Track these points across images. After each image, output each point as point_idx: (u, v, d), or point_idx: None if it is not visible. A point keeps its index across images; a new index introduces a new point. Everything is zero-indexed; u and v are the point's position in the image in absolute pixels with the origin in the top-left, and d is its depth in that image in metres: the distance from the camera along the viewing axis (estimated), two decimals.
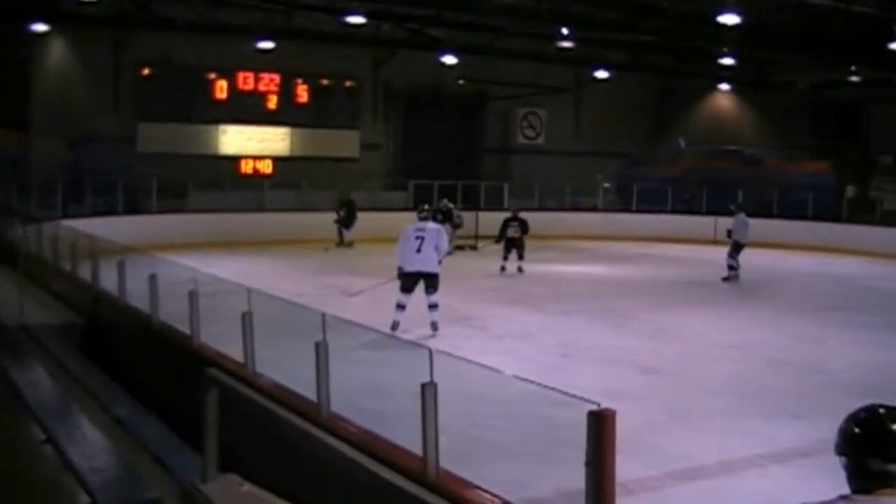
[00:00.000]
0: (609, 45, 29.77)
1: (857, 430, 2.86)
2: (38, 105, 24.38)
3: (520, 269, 19.94)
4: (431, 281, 12.73)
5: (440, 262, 12.96)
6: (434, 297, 12.69)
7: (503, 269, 19.98)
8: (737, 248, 19.60)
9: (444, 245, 13.26)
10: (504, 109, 35.53)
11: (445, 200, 25.21)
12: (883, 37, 23.60)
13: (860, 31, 24.46)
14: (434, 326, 12.60)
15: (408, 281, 12.68)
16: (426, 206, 15.46)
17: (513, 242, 20.10)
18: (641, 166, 34.11)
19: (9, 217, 21.13)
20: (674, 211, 29.71)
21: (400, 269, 12.76)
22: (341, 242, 25.16)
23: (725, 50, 29.28)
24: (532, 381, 5.43)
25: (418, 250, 12.59)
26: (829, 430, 3.03)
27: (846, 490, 2.84)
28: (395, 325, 12.22)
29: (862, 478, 2.81)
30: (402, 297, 12.67)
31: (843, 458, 2.87)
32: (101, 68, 27.99)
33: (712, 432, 8.64)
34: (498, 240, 20.41)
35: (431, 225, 13.34)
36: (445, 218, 23.30)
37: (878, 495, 2.77)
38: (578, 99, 36.00)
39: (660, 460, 7.57)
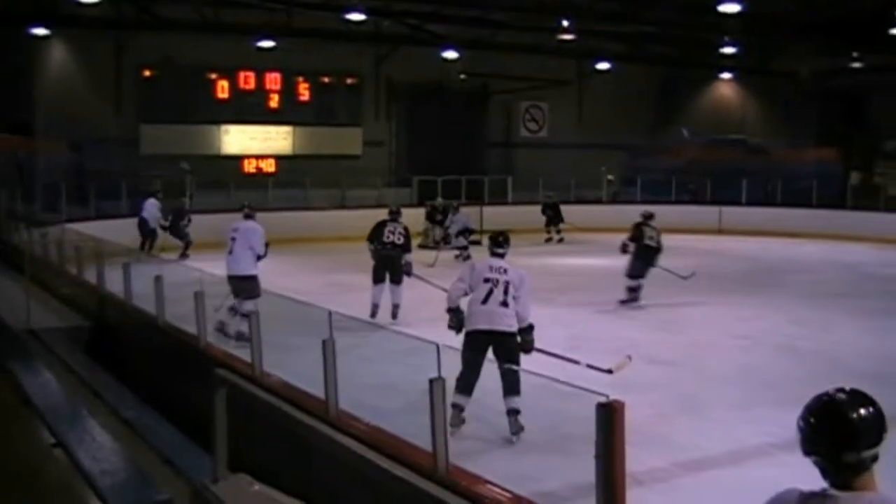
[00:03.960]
0: (610, 37, 29.72)
1: (821, 426, 2.76)
2: (41, 108, 24.40)
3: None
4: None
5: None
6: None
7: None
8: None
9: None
10: (506, 103, 35.46)
11: (440, 200, 25.22)
12: (885, 22, 23.54)
13: (862, 17, 24.40)
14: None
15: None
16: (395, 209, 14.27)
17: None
18: (645, 157, 34.07)
19: (14, 221, 21.17)
20: (678, 201, 29.62)
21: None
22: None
23: (727, 39, 29.23)
24: (541, 375, 5.43)
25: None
26: None
27: None
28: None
29: (838, 473, 2.71)
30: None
31: (813, 457, 2.75)
32: (103, 70, 28.00)
33: (722, 422, 8.62)
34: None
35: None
36: (444, 216, 23.26)
37: (857, 490, 2.69)
38: (581, 91, 35.91)
39: (669, 451, 7.56)
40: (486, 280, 7.92)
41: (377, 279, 13.33)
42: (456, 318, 8.06)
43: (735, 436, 8.14)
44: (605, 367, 8.62)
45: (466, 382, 7.63)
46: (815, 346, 12.13)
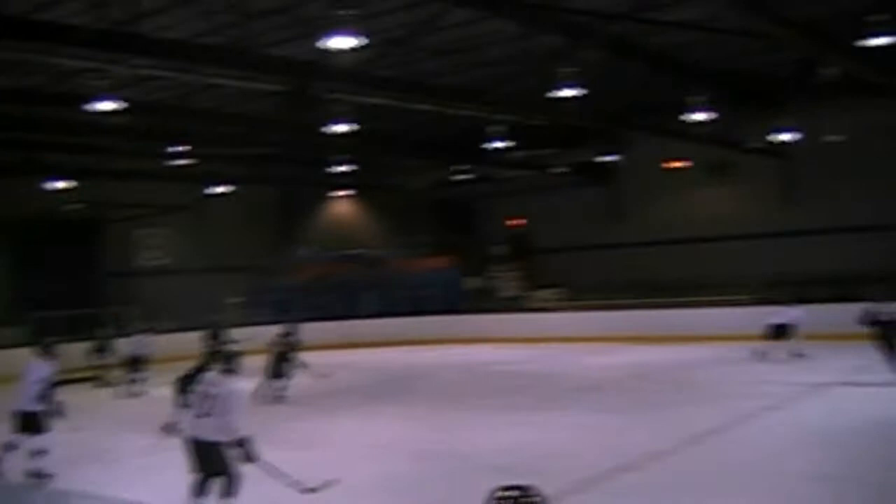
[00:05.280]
0: (228, 160, 29.80)
1: None
2: None
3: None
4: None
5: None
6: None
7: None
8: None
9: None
10: (125, 231, 34.33)
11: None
12: (485, 137, 25.41)
13: (465, 133, 26.19)
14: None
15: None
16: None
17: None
18: (270, 277, 34.20)
19: None
20: (305, 319, 29.80)
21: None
22: None
23: (342, 157, 30.24)
24: None
25: None
26: None
27: None
28: None
29: None
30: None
31: None
32: None
33: None
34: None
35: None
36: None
37: None
38: (202, 215, 35.48)
39: None
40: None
41: None
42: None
43: None
44: (309, 486, 8.73)
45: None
46: (450, 447, 12.48)
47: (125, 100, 18.16)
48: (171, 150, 26.69)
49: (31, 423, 11.01)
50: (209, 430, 8.22)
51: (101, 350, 22.63)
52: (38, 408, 11.08)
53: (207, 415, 8.25)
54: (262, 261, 35.14)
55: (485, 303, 32.74)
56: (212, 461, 8.27)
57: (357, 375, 21.58)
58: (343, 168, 31.69)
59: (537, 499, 2.96)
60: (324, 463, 11.09)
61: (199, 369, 8.93)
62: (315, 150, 28.28)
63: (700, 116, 22.42)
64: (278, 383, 17.14)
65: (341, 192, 37.86)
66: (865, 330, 16.56)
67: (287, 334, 17.71)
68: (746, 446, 11.56)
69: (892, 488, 8.94)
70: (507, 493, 3.00)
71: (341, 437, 13.83)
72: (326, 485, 8.90)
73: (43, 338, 14.72)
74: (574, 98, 19.05)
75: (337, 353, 26.02)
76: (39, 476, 10.95)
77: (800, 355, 19.84)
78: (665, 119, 24.62)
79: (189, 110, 23.46)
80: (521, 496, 2.99)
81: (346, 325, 29.89)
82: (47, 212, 30.72)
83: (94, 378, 22.00)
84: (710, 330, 24.81)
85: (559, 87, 18.55)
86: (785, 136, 25.98)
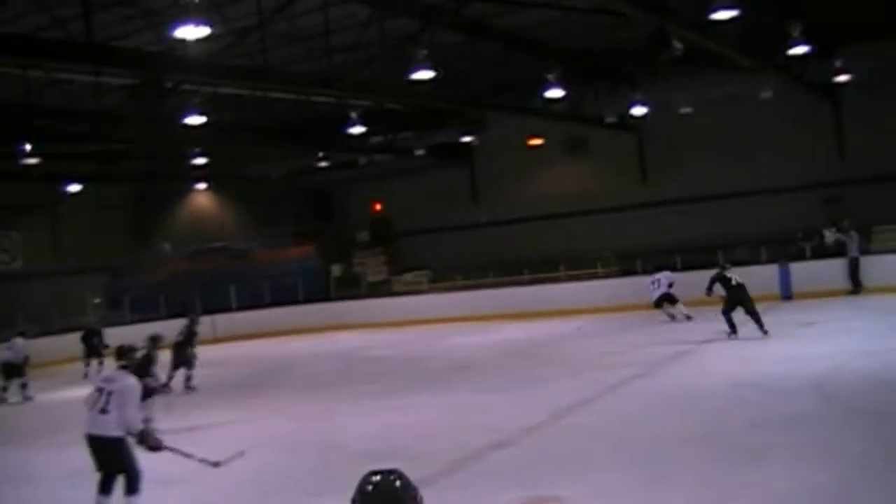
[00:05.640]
0: (78, 157, 28.84)
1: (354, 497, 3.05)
2: None
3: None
4: None
5: None
6: None
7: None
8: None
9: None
10: None
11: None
12: (342, 123, 25.26)
13: (321, 119, 25.98)
14: None
15: None
16: None
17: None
18: (129, 276, 33.37)
19: None
20: (170, 316, 29.12)
21: None
22: None
23: (197, 149, 29.64)
24: None
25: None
26: (347, 500, 3.09)
27: None
28: None
29: None
30: None
31: None
32: None
33: None
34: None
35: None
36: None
37: None
38: (54, 215, 34.35)
39: None
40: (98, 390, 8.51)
41: None
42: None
43: None
44: (213, 460, 8.92)
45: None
46: (320, 436, 12.44)
47: None
48: (18, 148, 25.65)
49: None
50: (108, 426, 8.28)
51: None
52: None
53: (104, 411, 8.29)
54: (121, 259, 34.26)
55: (351, 289, 32.68)
56: (112, 458, 8.36)
57: (226, 369, 21.23)
58: (200, 160, 31.08)
59: (398, 483, 3.03)
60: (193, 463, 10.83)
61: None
62: (170, 143, 27.62)
63: (555, 93, 22.76)
64: (184, 373, 17.77)
65: (200, 185, 37.16)
66: (715, 296, 17.84)
67: (191, 324, 18.34)
68: (618, 415, 11.84)
69: (759, 447, 9.27)
70: (373, 479, 3.02)
71: (213, 433, 13.59)
72: (233, 457, 9.11)
73: None
74: (429, 80, 19.12)
75: (204, 348, 25.54)
76: None
77: (688, 317, 20.79)
78: (521, 97, 24.97)
79: (37, 107, 22.61)
80: (384, 481, 3.03)
81: (217, 318, 29.42)
82: None
83: None
84: (573, 304, 25.34)
85: (414, 70, 18.57)
86: (638, 111, 26.62)
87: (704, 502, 7.71)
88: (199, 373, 18.11)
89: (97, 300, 31.62)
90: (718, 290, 17.72)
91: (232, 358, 23.91)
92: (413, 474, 3.18)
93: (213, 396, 16.97)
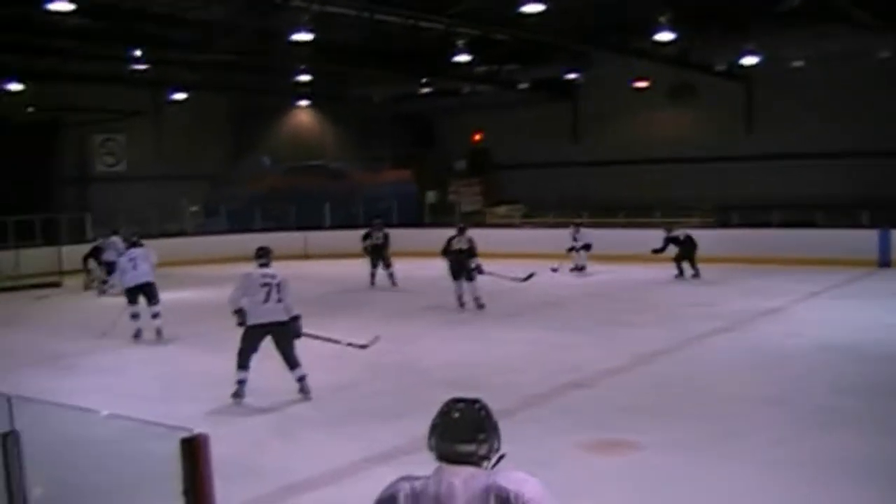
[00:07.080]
0: (185, 66, 29.24)
1: (445, 424, 3.16)
2: None
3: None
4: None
5: None
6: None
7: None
8: None
9: None
10: (80, 136, 33.77)
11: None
12: (448, 51, 25.11)
13: (427, 45, 25.86)
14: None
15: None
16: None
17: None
18: (227, 186, 33.89)
19: None
20: (264, 229, 29.63)
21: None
22: None
23: (302, 67, 29.78)
24: (127, 417, 5.13)
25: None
26: (426, 426, 3.13)
27: None
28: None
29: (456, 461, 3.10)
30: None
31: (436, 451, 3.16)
32: None
33: (316, 443, 8.69)
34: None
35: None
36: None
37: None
38: (158, 122, 34.99)
39: (266, 479, 7.49)
40: (263, 285, 10.22)
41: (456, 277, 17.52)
42: (241, 316, 10.30)
43: (329, 454, 8.21)
44: (360, 343, 11.68)
45: (247, 362, 10.17)
46: (402, 359, 12.61)
47: (82, 0, 17.74)
48: (127, 54, 26.08)
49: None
50: (282, 313, 10.18)
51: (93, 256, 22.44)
52: None
53: (280, 300, 10.19)
54: (221, 170, 34.83)
55: (447, 217, 32.75)
56: (288, 338, 10.28)
57: (315, 287, 21.53)
58: (304, 77, 31.25)
59: (482, 412, 3.09)
60: (269, 373, 11.02)
61: None
62: (275, 57, 27.79)
63: (665, 36, 22.24)
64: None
65: (302, 102, 37.41)
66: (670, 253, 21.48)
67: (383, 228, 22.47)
68: (699, 367, 11.75)
69: (837, 414, 9.13)
70: (457, 405, 3.09)
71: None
72: (374, 341, 11.99)
73: None
74: (538, 14, 18.86)
75: (294, 264, 25.97)
76: None
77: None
78: (629, 38, 24.46)
79: (146, 13, 22.93)
80: (468, 409, 3.11)
81: (309, 235, 29.82)
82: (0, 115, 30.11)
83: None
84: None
85: (525, 2, 18.33)
86: (748, 60, 25.91)
87: (772, 463, 7.63)
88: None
89: (194, 208, 32.29)
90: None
91: (320, 276, 24.21)
92: (491, 405, 3.21)
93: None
